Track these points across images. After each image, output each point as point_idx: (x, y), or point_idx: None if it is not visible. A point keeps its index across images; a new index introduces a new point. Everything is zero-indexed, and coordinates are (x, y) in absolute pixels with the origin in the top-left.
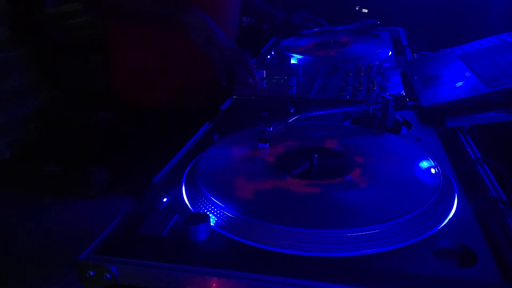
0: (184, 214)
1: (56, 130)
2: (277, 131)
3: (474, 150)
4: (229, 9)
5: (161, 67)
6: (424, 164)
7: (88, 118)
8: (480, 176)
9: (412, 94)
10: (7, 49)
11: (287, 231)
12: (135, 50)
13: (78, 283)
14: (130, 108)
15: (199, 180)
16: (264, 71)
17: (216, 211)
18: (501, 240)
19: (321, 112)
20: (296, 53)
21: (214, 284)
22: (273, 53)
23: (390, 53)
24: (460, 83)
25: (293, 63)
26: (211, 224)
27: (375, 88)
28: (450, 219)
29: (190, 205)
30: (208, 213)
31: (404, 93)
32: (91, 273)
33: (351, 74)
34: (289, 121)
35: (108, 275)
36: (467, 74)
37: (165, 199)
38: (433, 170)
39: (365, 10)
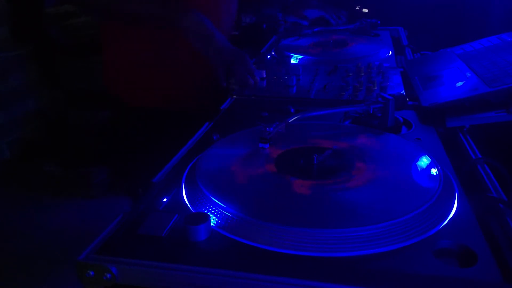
0: (184, 214)
1: (56, 130)
2: (277, 131)
3: (474, 150)
4: (224, 8)
5: (160, 68)
6: (424, 164)
7: (88, 118)
8: (480, 176)
9: (412, 94)
10: (7, 49)
11: (287, 231)
12: (133, 51)
13: (78, 283)
14: (130, 108)
15: (199, 180)
16: (264, 71)
17: (216, 211)
18: (501, 240)
19: (321, 112)
20: (296, 53)
21: None
22: (273, 53)
23: (390, 53)
24: (460, 83)
25: (293, 63)
26: (211, 224)
27: (375, 88)
28: (450, 219)
29: (190, 205)
30: (208, 213)
31: (404, 93)
32: (91, 273)
33: (351, 74)
34: (289, 121)
35: (108, 275)
36: (468, 74)
37: (165, 199)
38: (433, 170)
39: (365, 10)
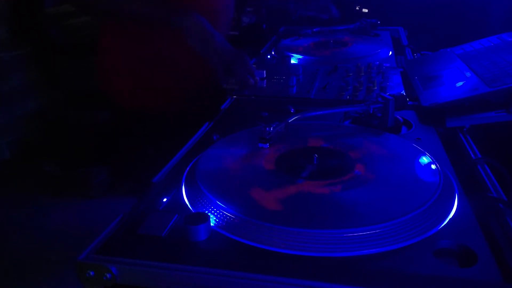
0: (184, 214)
1: (56, 130)
2: (277, 131)
3: (474, 150)
4: (220, 8)
5: (160, 69)
6: (425, 164)
7: (88, 118)
8: (480, 176)
9: (412, 94)
10: (7, 49)
11: (287, 231)
12: (133, 51)
13: (78, 283)
14: (130, 109)
15: (199, 180)
16: (264, 71)
17: (216, 211)
18: (501, 240)
19: (321, 112)
20: (296, 53)
21: None
22: (273, 53)
23: (390, 53)
24: (460, 83)
25: (293, 63)
26: (211, 224)
27: (375, 88)
28: (450, 219)
29: (190, 205)
30: (208, 213)
31: (404, 93)
32: (91, 273)
33: (351, 74)
34: (289, 121)
35: (108, 275)
36: (467, 74)
37: (165, 199)
38: (433, 170)
39: (365, 10)
